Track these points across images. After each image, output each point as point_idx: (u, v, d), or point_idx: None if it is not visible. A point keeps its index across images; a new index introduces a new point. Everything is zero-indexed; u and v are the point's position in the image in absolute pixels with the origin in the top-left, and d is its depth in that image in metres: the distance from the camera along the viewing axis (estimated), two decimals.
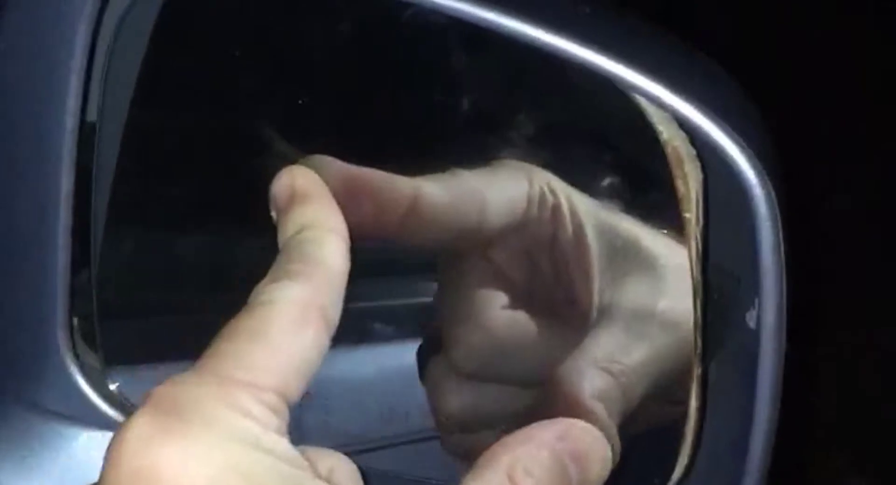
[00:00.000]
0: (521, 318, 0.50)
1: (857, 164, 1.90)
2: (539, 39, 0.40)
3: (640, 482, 0.47)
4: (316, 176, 0.44)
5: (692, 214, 0.42)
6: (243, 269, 0.51)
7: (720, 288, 0.44)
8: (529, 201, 0.48)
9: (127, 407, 0.53)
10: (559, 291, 0.49)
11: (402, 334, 0.53)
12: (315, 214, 0.42)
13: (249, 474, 0.35)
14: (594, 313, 0.48)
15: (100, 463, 0.54)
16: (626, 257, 0.47)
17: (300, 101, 0.49)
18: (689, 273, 0.44)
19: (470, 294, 0.50)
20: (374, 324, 0.52)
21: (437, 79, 0.47)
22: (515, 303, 0.50)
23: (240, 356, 0.38)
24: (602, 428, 0.43)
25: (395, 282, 0.53)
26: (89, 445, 0.55)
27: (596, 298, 0.48)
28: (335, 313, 0.40)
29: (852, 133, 1.91)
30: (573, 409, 0.46)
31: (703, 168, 0.41)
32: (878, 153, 1.90)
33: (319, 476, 0.38)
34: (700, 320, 0.44)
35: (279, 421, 0.37)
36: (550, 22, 0.41)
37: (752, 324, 0.43)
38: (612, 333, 0.48)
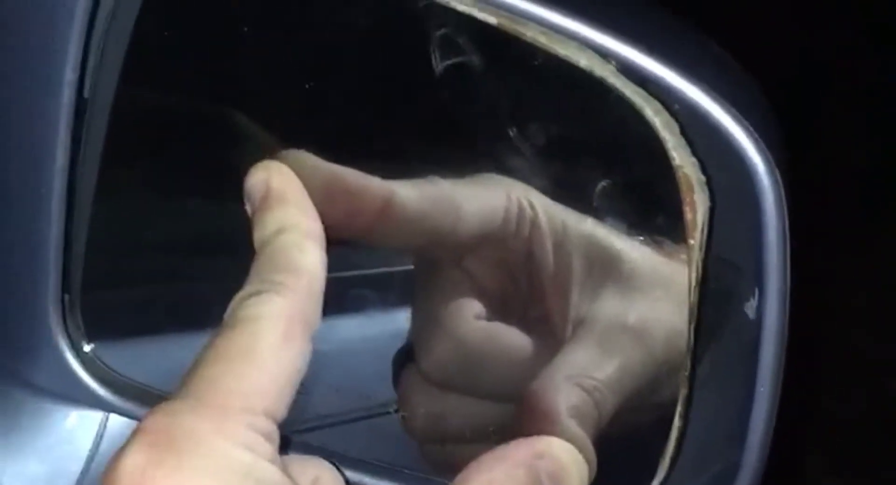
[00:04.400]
0: (495, 330, 0.49)
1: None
2: (541, 16, 0.40)
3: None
4: (291, 173, 0.44)
5: (696, 240, 0.42)
6: (226, 244, 0.51)
7: (718, 278, 0.44)
8: (506, 215, 0.47)
9: (116, 385, 0.53)
10: (535, 305, 0.49)
11: (373, 305, 0.53)
12: (293, 217, 0.43)
13: None
14: (569, 329, 0.48)
15: (89, 441, 0.55)
16: (604, 270, 0.47)
17: (286, 91, 0.48)
18: (669, 285, 0.44)
19: (444, 303, 0.50)
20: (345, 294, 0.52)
21: (431, 80, 0.46)
22: (489, 314, 0.49)
23: (231, 380, 0.38)
24: (577, 445, 0.43)
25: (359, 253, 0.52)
26: (79, 423, 0.54)
27: (572, 313, 0.48)
28: (316, 320, 0.41)
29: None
30: (549, 425, 0.45)
31: (712, 197, 0.41)
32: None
33: None
34: (695, 314, 0.43)
35: (270, 446, 0.38)
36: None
37: (751, 313, 0.42)
38: (586, 348, 0.47)
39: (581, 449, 0.43)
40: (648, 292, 0.46)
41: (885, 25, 2.01)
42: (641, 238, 0.45)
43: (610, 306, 0.47)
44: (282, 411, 0.39)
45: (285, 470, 0.39)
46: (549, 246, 0.47)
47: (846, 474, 1.66)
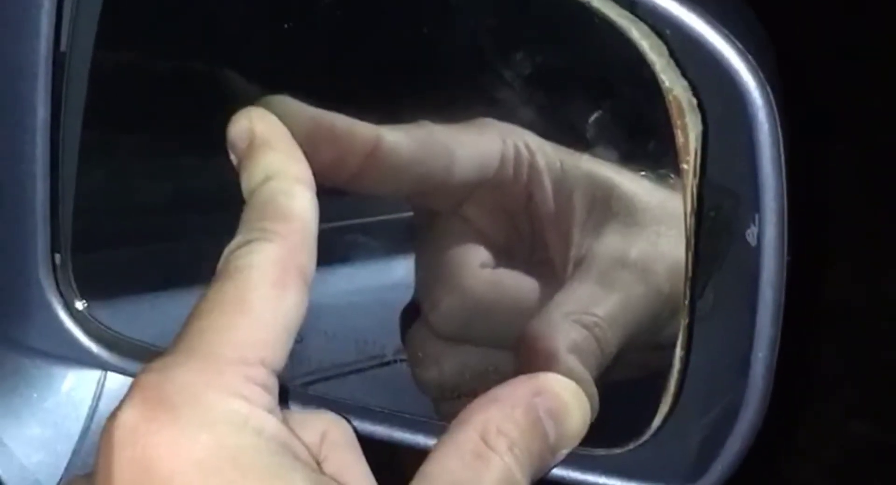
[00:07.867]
0: (501, 276, 0.48)
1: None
2: None
3: (626, 422, 0.46)
4: (275, 119, 0.43)
5: (690, 165, 0.41)
6: (217, 196, 0.50)
7: (718, 207, 0.43)
8: (503, 159, 0.46)
9: (112, 342, 0.52)
10: (538, 249, 0.48)
11: (371, 254, 0.52)
12: (280, 163, 0.42)
13: (237, 456, 0.35)
14: (570, 268, 0.47)
15: (88, 401, 0.54)
16: (604, 207, 0.46)
17: (266, 34, 0.47)
18: (672, 220, 0.43)
19: (446, 254, 0.48)
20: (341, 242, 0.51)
21: (412, 16, 0.45)
22: (493, 261, 0.48)
23: (224, 331, 0.37)
24: (578, 381, 0.42)
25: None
26: (76, 383, 0.54)
27: (573, 252, 0.46)
28: (312, 267, 0.40)
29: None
30: (549, 363, 0.44)
31: (704, 120, 0.40)
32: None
33: (308, 447, 0.38)
34: (693, 244, 0.42)
35: (268, 396, 0.37)
36: None
37: (752, 241, 0.41)
38: (586, 285, 0.46)
39: (582, 385, 0.42)
40: (651, 227, 0.45)
41: None
42: (643, 173, 0.44)
43: (611, 242, 0.46)
44: (279, 360, 0.38)
45: (286, 422, 0.38)
46: (548, 188, 0.46)
47: (874, 417, 1.65)
